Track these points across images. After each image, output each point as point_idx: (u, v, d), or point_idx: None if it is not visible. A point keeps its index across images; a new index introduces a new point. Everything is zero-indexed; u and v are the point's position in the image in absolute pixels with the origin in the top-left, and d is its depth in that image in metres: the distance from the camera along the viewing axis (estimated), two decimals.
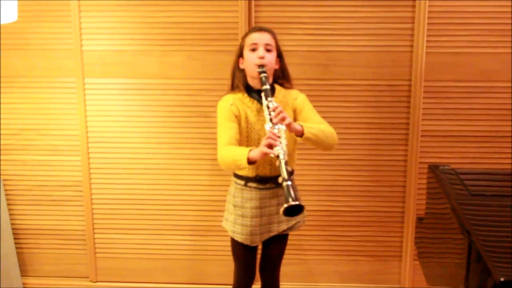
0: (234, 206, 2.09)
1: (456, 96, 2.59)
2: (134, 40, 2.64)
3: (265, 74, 1.94)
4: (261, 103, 1.96)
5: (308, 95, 2.11)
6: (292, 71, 2.13)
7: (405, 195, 2.69)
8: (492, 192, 1.95)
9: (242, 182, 2.07)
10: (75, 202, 2.82)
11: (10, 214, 2.84)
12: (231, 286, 2.25)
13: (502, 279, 1.27)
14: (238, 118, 2.01)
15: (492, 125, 2.61)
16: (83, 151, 2.75)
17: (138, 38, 2.63)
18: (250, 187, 2.05)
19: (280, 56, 2.06)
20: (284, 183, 1.73)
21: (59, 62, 2.68)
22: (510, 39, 2.52)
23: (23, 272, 2.91)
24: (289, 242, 2.22)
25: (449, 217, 1.75)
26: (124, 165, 2.76)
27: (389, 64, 2.58)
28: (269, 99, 1.89)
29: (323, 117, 2.05)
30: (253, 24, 2.56)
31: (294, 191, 1.73)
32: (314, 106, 2.08)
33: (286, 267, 2.59)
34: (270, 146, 1.77)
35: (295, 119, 2.04)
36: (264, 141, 1.79)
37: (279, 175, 1.75)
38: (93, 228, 2.84)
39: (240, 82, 2.05)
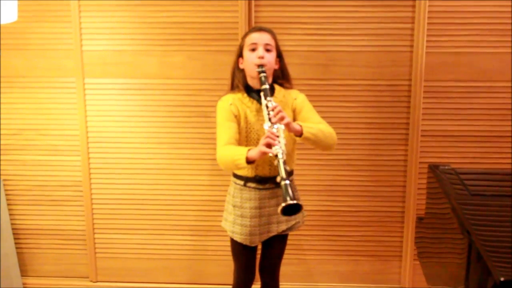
0: (234, 206, 2.09)
1: (456, 96, 2.59)
2: (134, 40, 2.64)
3: (264, 74, 1.94)
4: (260, 103, 1.95)
5: (308, 95, 2.11)
6: (292, 71, 2.13)
7: (405, 195, 2.69)
8: (492, 192, 1.95)
9: (242, 182, 2.07)
10: (75, 202, 2.82)
11: (10, 214, 2.84)
12: (231, 286, 2.25)
13: (502, 279, 1.27)
14: (237, 118, 2.01)
15: (492, 125, 2.61)
16: (83, 151, 2.75)
17: (138, 38, 2.64)
18: (249, 187, 2.05)
19: (280, 56, 2.06)
20: (282, 182, 1.73)
21: (59, 62, 2.68)
22: (510, 39, 2.52)
23: (23, 272, 2.91)
24: (289, 242, 2.22)
25: (449, 217, 1.75)
26: (124, 165, 2.76)
27: (389, 64, 2.58)
28: (268, 98, 1.89)
29: (323, 117, 2.05)
30: (253, 24, 2.56)
31: (293, 191, 1.73)
32: (314, 106, 2.08)
33: (286, 267, 2.59)
34: (269, 145, 1.77)
35: (294, 119, 2.04)
36: (262, 140, 1.79)
37: (278, 175, 1.75)
38: (93, 228, 2.84)
39: (239, 82, 2.04)
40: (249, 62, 1.99)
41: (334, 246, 2.79)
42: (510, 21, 2.50)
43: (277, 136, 1.79)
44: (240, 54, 2.05)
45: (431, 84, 2.58)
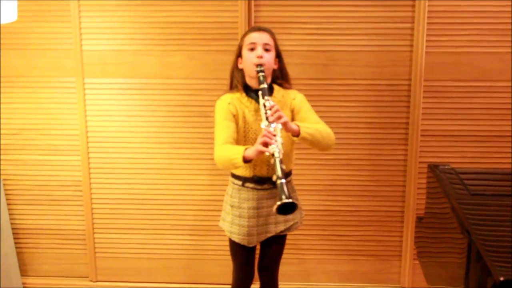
0: (232, 206, 2.09)
1: (456, 96, 2.59)
2: (134, 40, 2.64)
3: (263, 73, 1.94)
4: (259, 103, 1.95)
5: (307, 95, 2.11)
6: (292, 71, 2.13)
7: (405, 194, 2.69)
8: (492, 191, 1.95)
9: (240, 183, 2.06)
10: (75, 202, 2.82)
11: (10, 214, 2.84)
12: (230, 286, 2.25)
13: (502, 278, 1.27)
14: (235, 117, 2.01)
15: (492, 125, 2.61)
16: (83, 151, 2.75)
17: (138, 38, 2.64)
18: (247, 187, 2.05)
19: (279, 56, 2.06)
20: (278, 181, 1.72)
21: (59, 62, 2.68)
22: (510, 39, 2.52)
23: (23, 272, 2.91)
24: (288, 241, 2.22)
25: (449, 217, 1.75)
26: (124, 165, 2.76)
27: (389, 64, 2.58)
28: (266, 97, 1.88)
29: (323, 117, 2.05)
30: (253, 24, 2.56)
31: (289, 190, 1.72)
32: (314, 106, 2.08)
33: (285, 267, 2.59)
34: (265, 144, 1.77)
35: (293, 119, 2.03)
36: (259, 139, 1.79)
37: (274, 174, 1.74)
38: (93, 228, 2.84)
39: (238, 82, 2.04)
40: (248, 62, 1.99)
41: (334, 246, 2.79)
42: (510, 21, 2.50)
43: (274, 135, 1.78)
44: (239, 54, 2.05)
45: (431, 84, 2.58)
